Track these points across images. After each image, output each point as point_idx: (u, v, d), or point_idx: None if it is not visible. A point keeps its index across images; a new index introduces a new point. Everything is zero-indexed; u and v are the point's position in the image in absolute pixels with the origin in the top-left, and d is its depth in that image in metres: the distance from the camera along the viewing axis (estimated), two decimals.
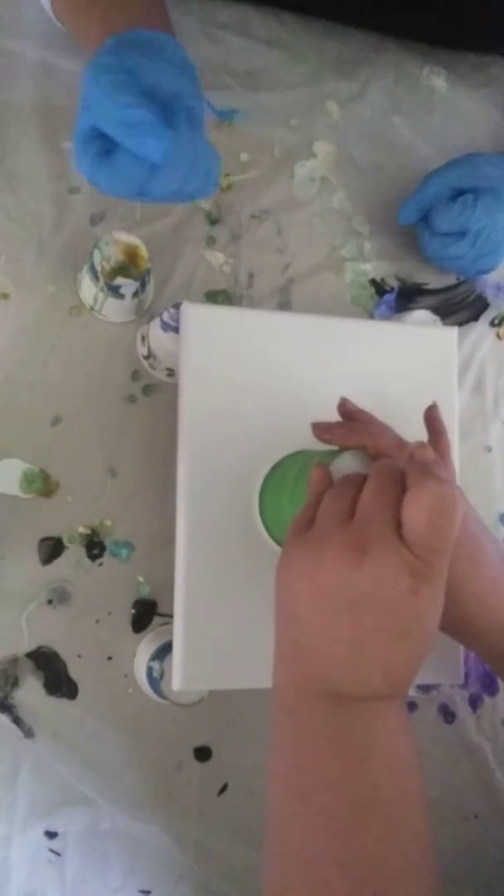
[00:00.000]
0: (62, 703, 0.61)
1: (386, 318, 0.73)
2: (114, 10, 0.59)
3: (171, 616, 0.57)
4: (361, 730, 0.42)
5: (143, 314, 0.67)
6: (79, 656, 0.62)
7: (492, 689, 0.71)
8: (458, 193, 0.69)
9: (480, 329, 0.76)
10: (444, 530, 0.40)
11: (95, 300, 0.64)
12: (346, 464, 0.49)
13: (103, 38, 0.55)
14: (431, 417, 0.58)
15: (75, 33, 0.65)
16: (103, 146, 0.53)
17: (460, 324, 0.76)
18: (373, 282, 0.74)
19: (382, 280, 0.75)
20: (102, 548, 0.63)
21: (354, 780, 0.41)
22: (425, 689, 0.64)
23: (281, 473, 0.56)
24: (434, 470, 0.42)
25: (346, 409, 0.55)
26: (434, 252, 0.71)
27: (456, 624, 0.51)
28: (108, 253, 0.60)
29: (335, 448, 0.52)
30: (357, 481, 0.45)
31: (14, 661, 0.61)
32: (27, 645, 0.61)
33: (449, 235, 0.70)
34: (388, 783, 0.41)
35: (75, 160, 0.54)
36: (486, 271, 0.73)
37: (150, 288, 0.65)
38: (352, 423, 0.54)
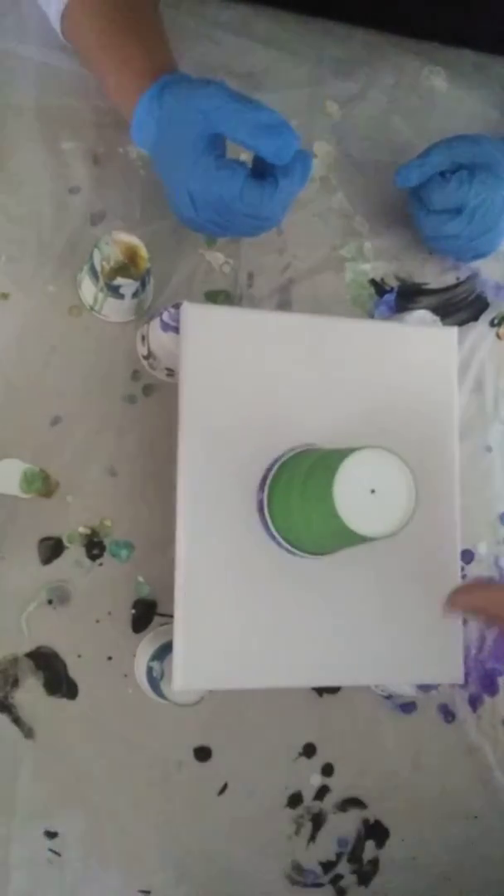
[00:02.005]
0: (62, 703, 0.61)
1: (386, 318, 0.73)
2: (144, 51, 0.62)
3: (171, 616, 0.57)
4: None
5: (143, 314, 0.67)
6: (79, 656, 0.62)
7: (492, 689, 0.71)
8: (453, 171, 0.68)
9: (480, 329, 0.76)
10: None
11: (95, 300, 0.64)
12: (361, 461, 0.49)
13: (143, 72, 0.60)
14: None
15: (86, 60, 0.66)
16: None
17: (460, 324, 0.76)
18: (373, 282, 0.74)
19: (382, 280, 0.75)
20: (102, 548, 0.63)
21: None
22: (425, 689, 0.64)
23: (289, 472, 0.56)
24: None
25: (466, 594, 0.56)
26: (431, 231, 0.70)
27: None
28: (108, 253, 0.60)
29: (346, 447, 0.52)
30: None
31: (14, 661, 0.61)
32: (27, 645, 0.61)
33: (444, 213, 0.68)
34: None
35: (216, 186, 0.57)
36: (483, 254, 0.72)
37: (150, 288, 0.65)
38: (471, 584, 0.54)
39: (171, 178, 0.60)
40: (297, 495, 0.53)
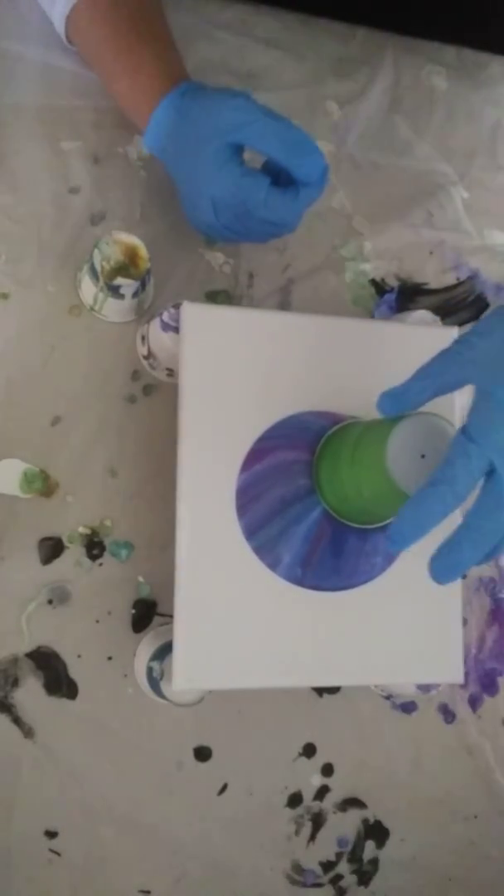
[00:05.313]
0: (62, 703, 0.61)
1: (386, 318, 0.73)
2: (156, 57, 0.62)
3: (171, 616, 0.57)
4: None
5: (143, 314, 0.67)
6: (79, 656, 0.62)
7: (492, 689, 0.71)
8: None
9: None
10: None
11: (95, 300, 0.64)
12: (412, 426, 0.49)
13: (157, 77, 0.60)
14: None
15: (92, 63, 0.66)
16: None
17: (460, 324, 0.75)
18: (373, 282, 0.74)
19: (382, 280, 0.75)
20: (102, 548, 0.63)
21: None
22: (425, 689, 0.64)
23: (336, 444, 0.56)
24: None
25: None
26: None
27: None
28: (108, 253, 0.60)
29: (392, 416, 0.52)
30: None
31: (14, 661, 0.61)
32: (27, 645, 0.61)
33: None
34: None
35: (240, 194, 0.58)
36: None
37: (150, 288, 0.65)
38: None
39: (190, 184, 0.60)
40: (345, 468, 0.54)
